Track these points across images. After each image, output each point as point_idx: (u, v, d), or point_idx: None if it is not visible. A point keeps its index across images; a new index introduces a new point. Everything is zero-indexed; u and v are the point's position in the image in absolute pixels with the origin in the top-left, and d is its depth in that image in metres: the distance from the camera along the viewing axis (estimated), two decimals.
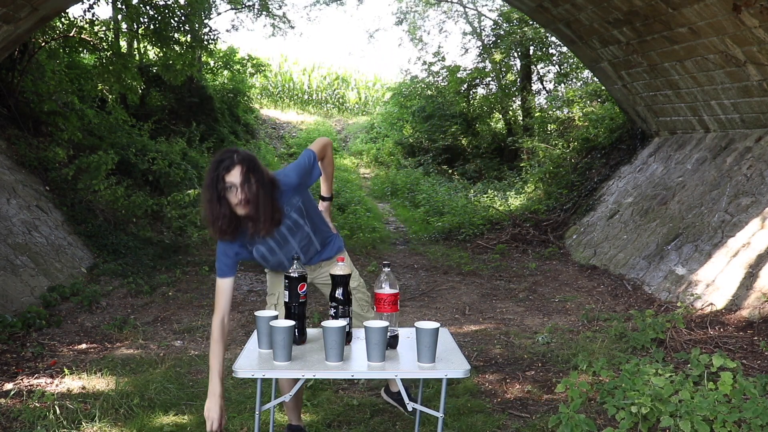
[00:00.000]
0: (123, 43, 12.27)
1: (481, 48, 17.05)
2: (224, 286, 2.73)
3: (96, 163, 8.02)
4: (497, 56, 16.14)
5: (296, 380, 2.62)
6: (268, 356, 2.42)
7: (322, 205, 3.14)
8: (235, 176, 2.50)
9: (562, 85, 15.53)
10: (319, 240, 2.92)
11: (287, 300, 2.58)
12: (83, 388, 3.94)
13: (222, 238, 2.64)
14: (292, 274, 2.56)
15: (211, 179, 2.52)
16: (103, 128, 9.61)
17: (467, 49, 18.95)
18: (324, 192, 3.20)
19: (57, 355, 4.62)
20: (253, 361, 2.41)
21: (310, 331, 2.69)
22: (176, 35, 10.48)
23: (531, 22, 14.01)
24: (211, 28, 12.72)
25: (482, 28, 17.65)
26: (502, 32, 15.84)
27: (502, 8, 16.14)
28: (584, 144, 10.63)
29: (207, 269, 7.33)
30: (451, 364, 2.37)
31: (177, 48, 10.46)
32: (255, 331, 2.56)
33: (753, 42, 5.57)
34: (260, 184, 2.53)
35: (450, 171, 16.01)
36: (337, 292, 2.57)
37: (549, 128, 13.44)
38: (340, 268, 2.59)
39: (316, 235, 2.90)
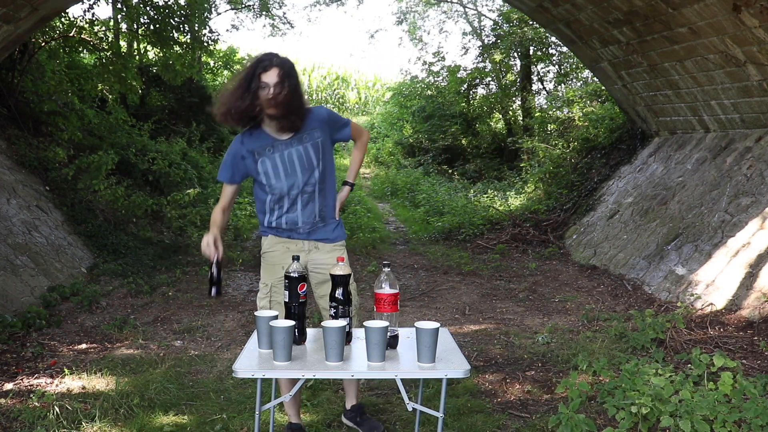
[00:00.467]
0: (123, 43, 12.27)
1: (481, 48, 17.05)
2: (227, 190, 2.98)
3: (96, 163, 8.02)
4: (497, 56, 16.14)
5: (296, 380, 2.65)
6: (268, 356, 2.41)
7: (343, 191, 3.17)
8: (271, 77, 2.68)
9: (562, 85, 15.54)
10: (321, 205, 2.95)
11: (287, 300, 2.58)
12: (83, 388, 3.94)
13: (224, 121, 2.81)
14: (292, 274, 2.56)
15: (247, 74, 2.71)
16: (103, 128, 9.61)
17: (467, 49, 18.95)
18: (349, 177, 3.22)
19: (57, 355, 4.62)
20: (253, 361, 2.41)
21: (310, 331, 2.69)
22: (176, 35, 10.48)
23: (531, 22, 14.02)
24: (211, 29, 12.73)
25: (482, 28, 17.67)
26: (502, 32, 15.85)
27: (502, 8, 16.16)
28: (584, 144, 10.63)
29: (207, 269, 7.33)
30: (451, 364, 2.37)
31: (177, 48, 10.47)
32: (255, 331, 2.56)
33: (753, 42, 5.57)
34: (291, 90, 2.71)
35: (450, 171, 16.02)
36: (337, 292, 2.57)
37: (549, 128, 13.45)
38: (340, 268, 2.59)
39: (320, 195, 2.93)
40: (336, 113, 3.03)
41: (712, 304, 5.22)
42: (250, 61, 2.78)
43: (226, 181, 2.95)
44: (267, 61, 2.70)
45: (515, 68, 16.79)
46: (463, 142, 16.88)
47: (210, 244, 2.73)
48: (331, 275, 2.59)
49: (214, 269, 2.71)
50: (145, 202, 8.55)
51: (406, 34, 23.58)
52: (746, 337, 4.63)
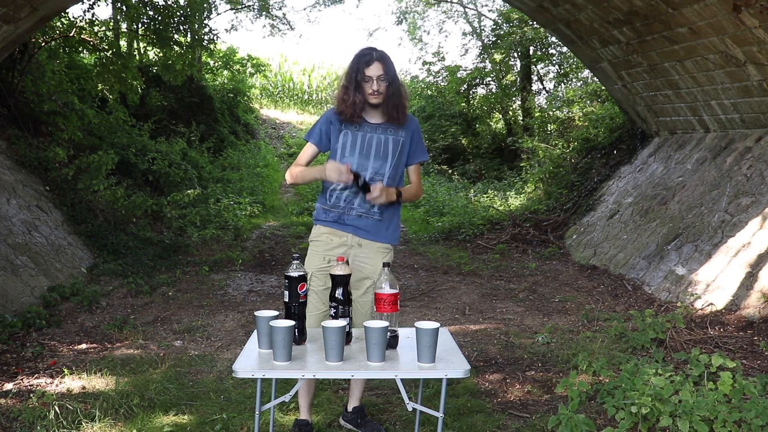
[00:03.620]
0: (123, 43, 12.28)
1: (481, 48, 17.05)
2: (309, 150, 3.08)
3: (96, 163, 8.01)
4: (497, 56, 16.14)
5: (313, 383, 2.84)
6: (268, 356, 2.42)
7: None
8: (374, 70, 2.88)
9: (562, 85, 15.54)
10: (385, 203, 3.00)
11: (287, 300, 2.58)
12: (83, 388, 3.94)
13: (343, 115, 2.97)
14: (292, 274, 2.56)
15: (352, 69, 2.92)
16: (103, 128, 9.60)
17: (467, 49, 18.97)
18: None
19: (57, 355, 4.62)
20: (253, 361, 2.41)
21: (310, 331, 2.69)
22: (176, 36, 10.48)
23: (531, 22, 14.02)
24: (211, 28, 12.73)
25: (482, 28, 17.68)
26: (502, 32, 15.85)
27: (502, 8, 16.16)
28: (584, 144, 10.63)
29: (207, 269, 7.33)
30: (451, 364, 2.37)
31: (177, 48, 10.47)
32: (255, 331, 2.56)
33: (753, 42, 5.57)
34: (392, 80, 2.91)
35: (450, 171, 16.01)
36: (337, 292, 2.57)
37: (549, 128, 13.45)
38: (341, 268, 2.59)
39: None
40: (422, 140, 3.14)
41: (712, 304, 5.22)
42: (354, 55, 2.96)
43: (313, 141, 3.03)
44: (368, 55, 2.89)
45: (515, 68, 16.79)
46: (463, 142, 16.88)
47: (338, 167, 2.80)
48: (331, 275, 2.59)
49: (361, 179, 2.83)
50: (145, 203, 8.54)
51: (405, 34, 23.60)
52: (746, 337, 4.63)
